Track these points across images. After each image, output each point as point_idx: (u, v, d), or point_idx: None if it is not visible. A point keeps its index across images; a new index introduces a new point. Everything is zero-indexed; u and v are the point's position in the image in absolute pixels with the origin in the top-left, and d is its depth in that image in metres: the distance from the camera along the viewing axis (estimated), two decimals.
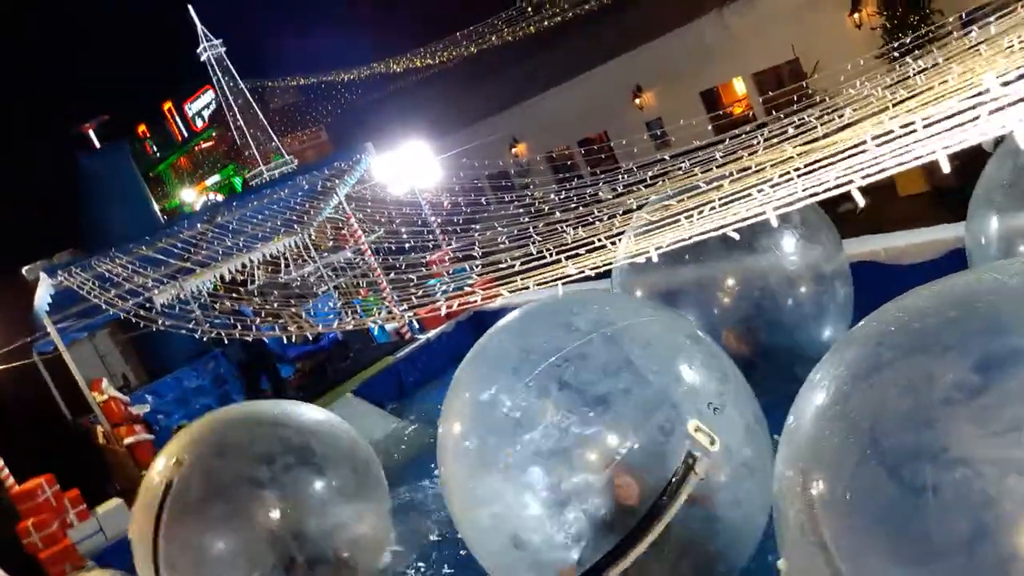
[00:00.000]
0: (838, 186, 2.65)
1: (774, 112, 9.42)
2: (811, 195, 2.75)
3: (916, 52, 7.06)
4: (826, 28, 17.54)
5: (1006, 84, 2.99)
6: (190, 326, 8.38)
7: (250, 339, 8.65)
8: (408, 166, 14.42)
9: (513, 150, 26.30)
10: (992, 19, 6.26)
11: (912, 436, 2.18)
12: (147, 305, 9.99)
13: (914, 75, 5.75)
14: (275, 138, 27.36)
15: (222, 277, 11.13)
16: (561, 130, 24.31)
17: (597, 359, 3.41)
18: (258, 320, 9.07)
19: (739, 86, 21.35)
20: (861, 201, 2.46)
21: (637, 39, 21.40)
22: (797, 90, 11.25)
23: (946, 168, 2.20)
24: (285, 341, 12.04)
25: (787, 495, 2.50)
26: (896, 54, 8.02)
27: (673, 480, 2.95)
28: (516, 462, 3.46)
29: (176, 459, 5.42)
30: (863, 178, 2.57)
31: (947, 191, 9.78)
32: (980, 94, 3.01)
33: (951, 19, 9.47)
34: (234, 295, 10.74)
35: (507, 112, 25.65)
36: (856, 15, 17.15)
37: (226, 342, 9.73)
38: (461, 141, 19.37)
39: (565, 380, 3.36)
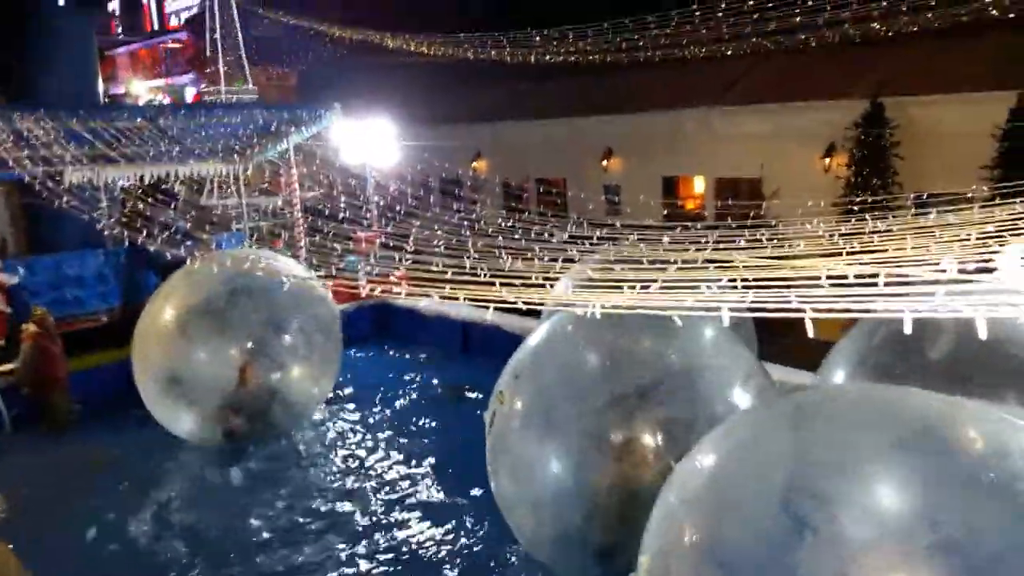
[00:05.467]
0: (788, 310, 2.65)
1: (729, 219, 9.63)
2: (760, 308, 2.75)
3: (873, 213, 7.34)
4: (797, 161, 18.25)
5: (962, 272, 3.09)
6: (95, 215, 7.89)
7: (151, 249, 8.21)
8: (368, 140, 14.14)
9: (474, 163, 26.22)
10: (949, 209, 6.60)
11: None
12: (57, 178, 9.41)
13: (869, 233, 5.95)
14: (246, 64, 26.44)
15: (142, 178, 10.58)
16: (524, 162, 24.41)
17: None
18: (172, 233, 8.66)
19: (699, 184, 21.95)
20: (812, 332, 2.48)
21: (625, 106, 21.79)
22: (753, 207, 11.62)
23: (907, 329, 2.24)
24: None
25: None
26: (855, 208, 8.34)
27: None
28: None
29: None
30: (814, 311, 2.58)
31: None
32: (937, 271, 3.09)
33: (910, 196, 9.96)
34: (150, 200, 10.21)
35: (480, 125, 25.60)
36: (827, 160, 17.92)
37: (127, 243, 9.22)
38: (426, 136, 19.17)
39: None
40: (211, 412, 7.31)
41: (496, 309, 3.80)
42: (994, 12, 11.72)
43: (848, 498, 2.61)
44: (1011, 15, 12.37)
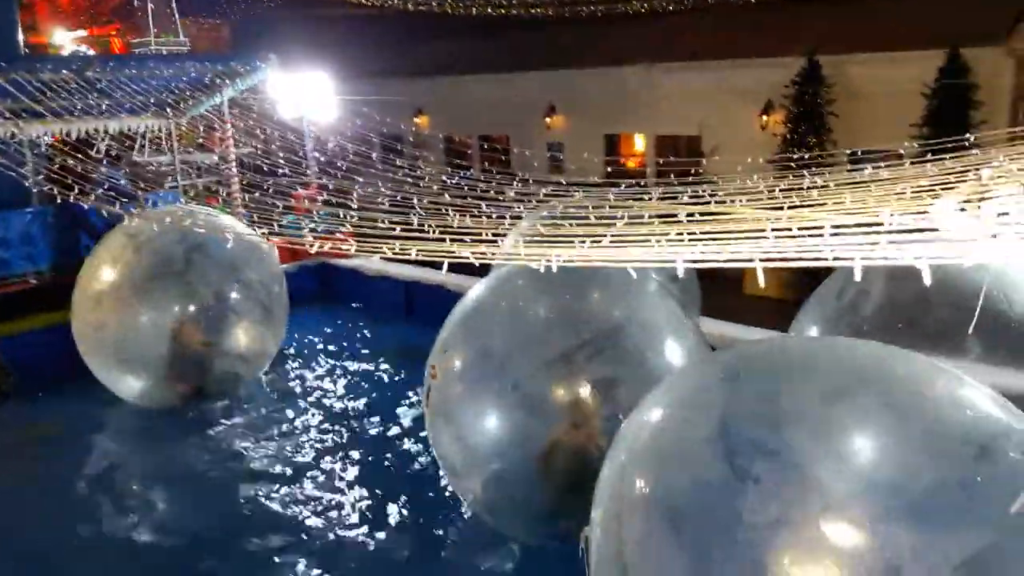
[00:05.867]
0: (739, 260, 2.71)
1: (671, 176, 9.76)
2: (712, 260, 2.81)
3: (811, 169, 7.51)
4: (735, 119, 18.49)
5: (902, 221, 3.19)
6: (22, 171, 7.55)
7: (85, 205, 7.92)
8: (305, 93, 13.79)
9: (416, 120, 25.82)
10: (882, 165, 6.80)
11: None
12: None
13: (807, 188, 6.09)
14: (176, 14, 25.39)
15: (68, 134, 10.13)
16: (467, 119, 24.15)
17: None
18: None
19: (639, 142, 22.09)
20: (763, 281, 2.54)
21: (568, 62, 21.66)
22: (693, 164, 11.77)
23: (858, 276, 2.31)
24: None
25: None
26: (793, 164, 8.51)
27: None
28: None
29: None
30: (762, 260, 2.65)
31: (794, 303, 10.47)
32: (876, 224, 3.19)
33: (846, 153, 10.21)
34: (79, 156, 9.79)
35: (421, 81, 25.17)
36: (765, 117, 18.21)
37: (57, 202, 8.86)
38: (365, 91, 18.76)
39: None
40: (162, 375, 7.17)
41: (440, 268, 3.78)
42: None
43: (785, 447, 2.70)
44: None
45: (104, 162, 10.80)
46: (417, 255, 3.55)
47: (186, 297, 7.21)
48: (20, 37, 18.42)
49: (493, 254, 3.68)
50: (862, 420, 2.70)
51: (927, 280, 2.21)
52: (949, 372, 2.93)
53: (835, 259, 2.49)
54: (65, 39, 39.20)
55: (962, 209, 3.66)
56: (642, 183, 8.68)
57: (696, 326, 5.15)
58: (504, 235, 5.30)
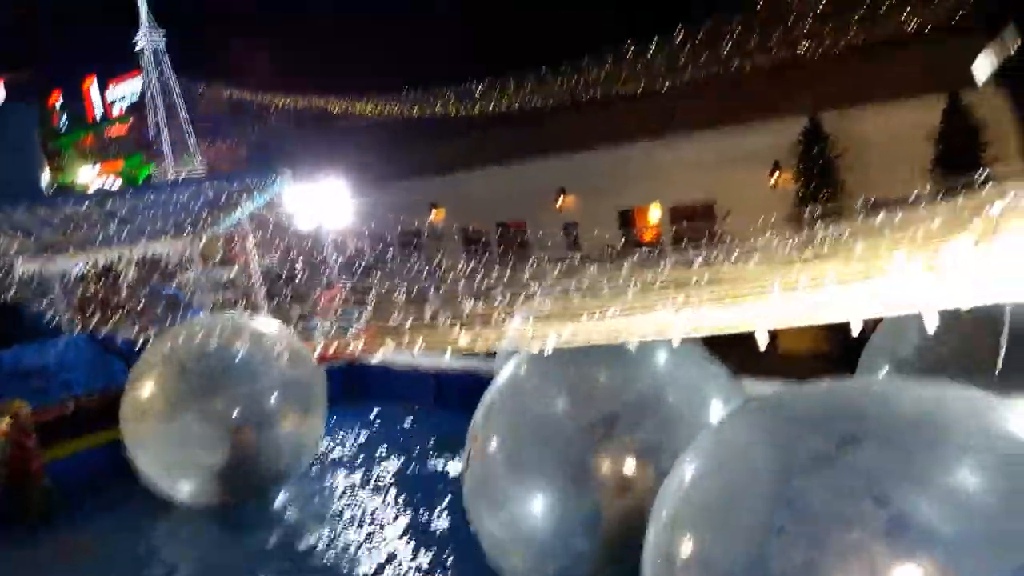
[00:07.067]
0: (745, 324, 2.66)
1: (685, 242, 9.74)
2: (715, 325, 2.75)
3: (824, 221, 7.47)
4: (745, 182, 18.60)
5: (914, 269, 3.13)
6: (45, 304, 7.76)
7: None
8: (322, 202, 14.12)
9: (431, 213, 26.32)
10: (897, 210, 6.73)
11: None
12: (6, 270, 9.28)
13: (820, 241, 6.03)
14: (191, 141, 26.43)
15: (96, 264, 10.44)
16: (480, 209, 24.56)
17: None
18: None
19: (654, 213, 22.23)
20: (764, 342, 2.48)
21: (574, 146, 22.12)
22: (708, 228, 11.81)
23: (855, 332, 2.25)
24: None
25: None
26: (807, 219, 8.49)
27: None
28: None
29: None
30: (766, 321, 2.58)
31: (830, 357, 10.26)
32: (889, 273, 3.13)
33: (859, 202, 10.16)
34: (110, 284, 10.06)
35: (433, 179, 25.77)
36: (774, 177, 18.30)
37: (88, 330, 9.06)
38: (382, 193, 19.22)
39: None
40: (209, 477, 7.29)
41: (468, 355, 3.76)
42: (911, 27, 12.20)
43: (826, 501, 2.58)
44: (927, 28, 12.92)
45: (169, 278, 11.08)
46: (421, 347, 3.54)
47: (229, 401, 7.32)
48: (46, 177, 19.37)
49: (497, 339, 3.65)
50: (901, 468, 2.57)
51: (931, 327, 2.13)
52: (1003, 406, 2.79)
53: (833, 316, 2.42)
54: (89, 175, 40.88)
55: (977, 247, 3.58)
56: (654, 253, 8.67)
57: (740, 387, 5.03)
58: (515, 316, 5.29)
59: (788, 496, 2.64)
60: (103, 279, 10.43)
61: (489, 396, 4.89)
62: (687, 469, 3.21)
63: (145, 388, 7.53)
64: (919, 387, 2.94)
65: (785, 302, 2.92)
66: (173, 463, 7.42)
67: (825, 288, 2.92)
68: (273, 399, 7.55)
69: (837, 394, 3.16)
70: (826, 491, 2.58)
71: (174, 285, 11.13)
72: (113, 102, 44.71)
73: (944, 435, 2.63)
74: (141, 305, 10.22)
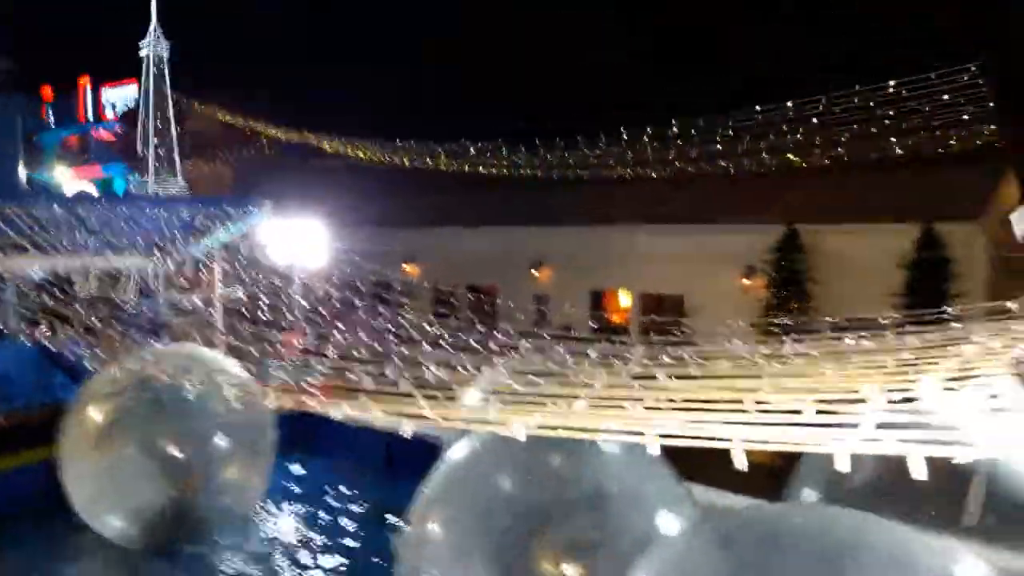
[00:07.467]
0: (716, 439, 2.57)
1: (651, 333, 9.72)
2: (690, 435, 2.66)
3: (793, 336, 7.49)
4: (717, 281, 18.84)
5: (889, 402, 3.08)
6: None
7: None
8: (297, 239, 13.97)
9: (405, 267, 26.18)
10: (864, 334, 6.77)
11: None
12: None
13: (792, 356, 6.02)
14: (177, 158, 26.23)
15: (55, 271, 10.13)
16: (456, 268, 24.53)
17: None
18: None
19: (624, 299, 22.37)
20: (743, 464, 2.39)
21: (555, 218, 22.33)
22: (675, 323, 11.82)
23: (840, 466, 2.17)
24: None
25: None
26: (776, 330, 8.52)
27: None
28: None
29: None
30: (743, 441, 2.50)
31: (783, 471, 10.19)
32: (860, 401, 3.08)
33: (826, 319, 10.25)
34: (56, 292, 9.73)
35: (413, 231, 25.76)
36: (746, 280, 18.55)
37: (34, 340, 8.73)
38: (358, 239, 19.11)
39: None
40: (147, 515, 6.98)
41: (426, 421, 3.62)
42: (899, 151, 12.58)
43: None
44: (914, 154, 13.36)
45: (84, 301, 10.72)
46: (379, 415, 3.40)
47: (174, 437, 7.06)
48: (23, 173, 18.95)
49: (460, 416, 3.52)
50: None
51: (921, 475, 2.07)
52: (947, 550, 2.77)
53: (819, 446, 2.35)
54: (65, 175, 40.19)
55: (948, 389, 3.57)
56: (624, 341, 8.62)
57: (686, 491, 4.93)
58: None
59: None
60: (60, 288, 10.09)
61: (436, 475, 4.72)
62: None
63: (85, 416, 7.21)
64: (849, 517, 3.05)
65: (761, 419, 2.84)
66: (106, 497, 7.11)
67: (802, 411, 2.85)
68: (220, 439, 7.29)
69: (779, 521, 3.27)
70: None
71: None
72: (107, 104, 44.37)
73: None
74: (97, 320, 9.88)
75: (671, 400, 3.63)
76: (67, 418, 7.33)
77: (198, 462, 7.14)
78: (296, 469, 9.54)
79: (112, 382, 7.32)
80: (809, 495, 5.33)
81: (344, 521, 8.30)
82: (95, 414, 7.16)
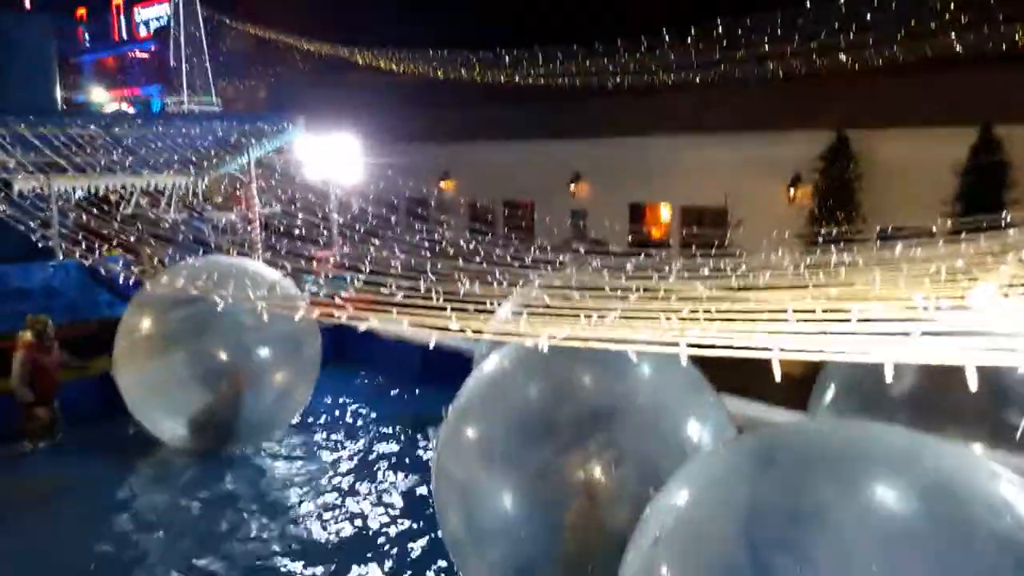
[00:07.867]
0: (754, 348, 2.45)
1: (692, 247, 9.51)
2: (724, 345, 2.55)
3: (839, 246, 7.25)
4: (762, 192, 18.32)
5: (936, 309, 2.92)
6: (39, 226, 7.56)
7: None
8: (332, 155, 13.86)
9: (441, 183, 26.02)
10: (914, 242, 6.52)
11: None
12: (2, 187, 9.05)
13: (835, 266, 5.83)
14: (210, 75, 26.07)
15: (97, 190, 10.20)
16: (493, 184, 24.29)
17: None
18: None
19: (665, 212, 21.96)
20: (779, 374, 2.29)
21: (594, 130, 21.77)
22: (718, 236, 11.56)
23: (888, 378, 2.05)
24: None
25: None
26: (821, 240, 8.28)
27: None
28: None
29: None
30: (781, 350, 2.38)
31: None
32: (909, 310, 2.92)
33: (876, 229, 9.94)
34: (96, 211, 9.83)
35: (449, 145, 25.45)
36: (792, 190, 18.02)
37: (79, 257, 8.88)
38: (394, 155, 18.93)
39: None
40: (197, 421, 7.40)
41: (453, 333, 3.56)
42: (958, 48, 11.88)
43: (811, 544, 2.61)
44: (971, 52, 12.60)
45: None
46: (407, 328, 3.34)
47: (222, 347, 7.35)
48: (60, 95, 18.99)
49: (489, 328, 3.45)
50: (891, 520, 2.54)
51: (973, 385, 1.94)
52: (986, 466, 2.69)
53: (865, 354, 2.22)
54: (105, 98, 40.44)
55: (1003, 296, 3.38)
56: (663, 254, 8.45)
57: (720, 403, 4.86)
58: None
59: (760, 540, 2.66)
60: (101, 207, 10.19)
61: (468, 385, 4.71)
62: (673, 497, 3.10)
63: (139, 325, 7.52)
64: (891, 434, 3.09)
65: (801, 332, 2.71)
66: (161, 403, 7.50)
67: (846, 319, 2.71)
68: (266, 349, 7.51)
69: (813, 435, 3.30)
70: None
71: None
72: (139, 23, 44.16)
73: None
74: (137, 237, 9.99)
75: (707, 311, 3.51)
76: (119, 330, 7.62)
77: (245, 370, 7.39)
78: (334, 381, 9.72)
79: (159, 292, 7.53)
80: (833, 407, 5.24)
81: (382, 429, 8.50)
82: (146, 325, 7.46)
